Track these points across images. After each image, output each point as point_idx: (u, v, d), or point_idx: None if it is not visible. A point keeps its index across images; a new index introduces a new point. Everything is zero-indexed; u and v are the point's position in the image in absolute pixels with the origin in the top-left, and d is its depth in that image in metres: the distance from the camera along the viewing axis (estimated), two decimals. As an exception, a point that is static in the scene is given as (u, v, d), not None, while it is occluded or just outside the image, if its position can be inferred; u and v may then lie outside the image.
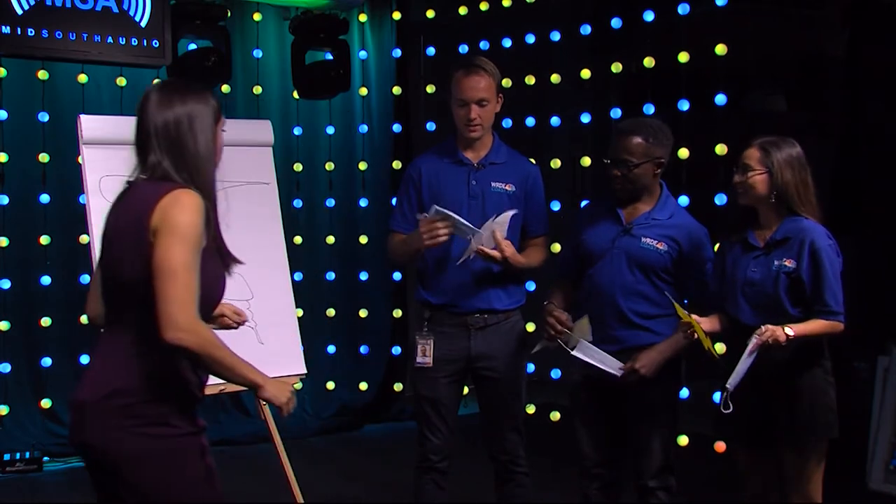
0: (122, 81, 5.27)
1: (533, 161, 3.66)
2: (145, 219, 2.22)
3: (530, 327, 5.30)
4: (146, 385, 2.25)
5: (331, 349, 6.20)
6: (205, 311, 2.33)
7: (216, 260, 2.36)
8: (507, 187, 3.45)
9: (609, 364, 3.19)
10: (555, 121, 5.63)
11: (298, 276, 5.61)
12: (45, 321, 5.35)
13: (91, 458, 2.30)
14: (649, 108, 5.06)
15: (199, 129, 2.32)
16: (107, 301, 2.36)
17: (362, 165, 6.27)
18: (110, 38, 4.97)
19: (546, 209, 3.59)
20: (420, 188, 3.50)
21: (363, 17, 6.44)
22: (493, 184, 3.44)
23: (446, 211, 3.25)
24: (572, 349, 3.20)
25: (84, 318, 3.66)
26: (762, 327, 2.95)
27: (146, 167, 2.32)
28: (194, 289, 2.20)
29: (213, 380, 4.03)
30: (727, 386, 2.99)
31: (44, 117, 5.27)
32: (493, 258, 3.30)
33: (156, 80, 5.34)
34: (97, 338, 2.40)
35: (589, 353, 3.18)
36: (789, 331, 2.94)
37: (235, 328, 2.71)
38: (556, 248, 4.27)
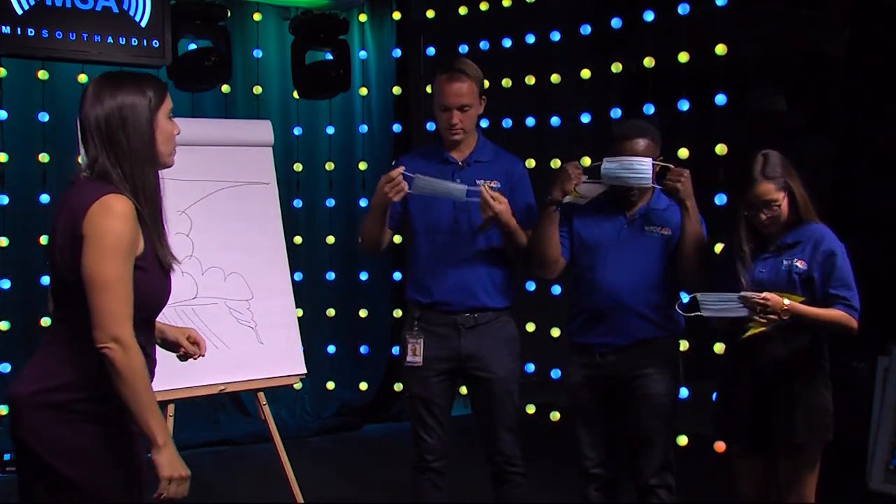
0: (122, 81, 5.27)
1: (524, 160, 3.68)
2: (78, 226, 2.21)
3: (530, 327, 5.34)
4: (84, 383, 2.24)
5: (331, 349, 6.20)
6: (145, 316, 2.32)
7: (155, 266, 2.32)
8: (492, 185, 3.45)
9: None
10: (555, 121, 5.63)
11: (298, 276, 5.61)
12: (45, 321, 5.33)
13: (26, 454, 2.27)
14: (649, 108, 5.06)
15: (132, 124, 2.27)
16: (54, 298, 2.36)
17: (362, 165, 6.27)
18: (110, 38, 4.97)
19: (534, 206, 3.55)
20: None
21: (363, 17, 6.45)
22: (478, 181, 3.44)
23: (428, 178, 3.29)
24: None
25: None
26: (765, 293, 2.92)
27: (88, 164, 2.30)
28: (128, 301, 2.19)
29: (212, 380, 4.05)
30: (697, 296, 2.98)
31: (44, 117, 5.27)
32: (490, 206, 3.29)
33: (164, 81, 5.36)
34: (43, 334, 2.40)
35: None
36: (787, 301, 2.91)
37: (194, 359, 2.61)
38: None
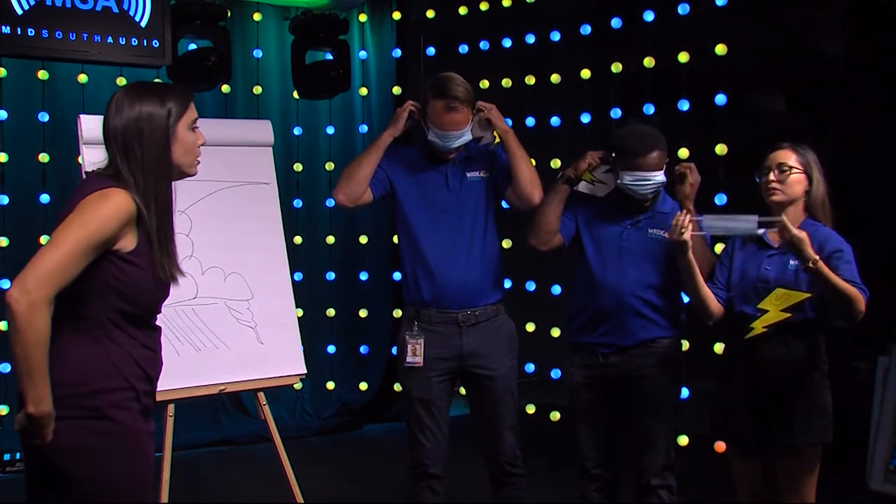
0: (122, 81, 5.26)
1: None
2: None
3: (530, 327, 5.34)
4: (84, 378, 2.24)
5: (331, 349, 6.20)
6: (138, 314, 2.32)
7: (147, 267, 2.31)
8: (480, 174, 3.49)
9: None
10: (555, 121, 5.63)
11: (298, 276, 5.61)
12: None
13: (33, 451, 2.27)
14: (649, 108, 5.06)
15: (148, 135, 2.31)
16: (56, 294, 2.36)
17: (362, 165, 6.26)
18: (110, 38, 4.97)
19: None
20: (385, 165, 3.53)
21: (363, 17, 6.45)
22: (468, 174, 3.48)
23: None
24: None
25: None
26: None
27: (106, 164, 2.35)
28: (65, 273, 2.15)
29: (212, 380, 4.04)
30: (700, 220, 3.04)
31: (44, 117, 5.27)
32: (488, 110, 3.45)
33: (157, 80, 5.36)
34: None
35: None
36: (816, 257, 2.88)
37: None
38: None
